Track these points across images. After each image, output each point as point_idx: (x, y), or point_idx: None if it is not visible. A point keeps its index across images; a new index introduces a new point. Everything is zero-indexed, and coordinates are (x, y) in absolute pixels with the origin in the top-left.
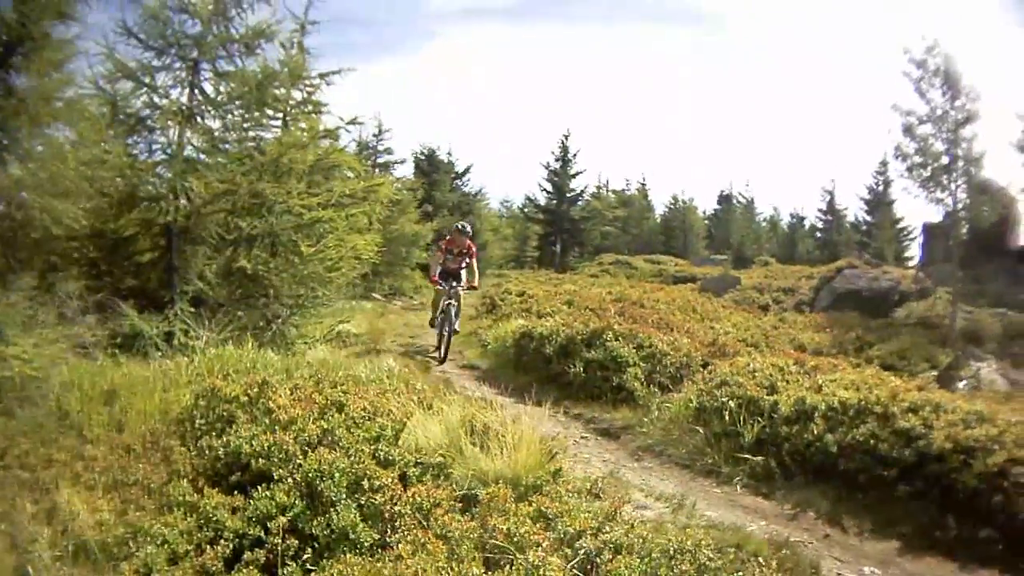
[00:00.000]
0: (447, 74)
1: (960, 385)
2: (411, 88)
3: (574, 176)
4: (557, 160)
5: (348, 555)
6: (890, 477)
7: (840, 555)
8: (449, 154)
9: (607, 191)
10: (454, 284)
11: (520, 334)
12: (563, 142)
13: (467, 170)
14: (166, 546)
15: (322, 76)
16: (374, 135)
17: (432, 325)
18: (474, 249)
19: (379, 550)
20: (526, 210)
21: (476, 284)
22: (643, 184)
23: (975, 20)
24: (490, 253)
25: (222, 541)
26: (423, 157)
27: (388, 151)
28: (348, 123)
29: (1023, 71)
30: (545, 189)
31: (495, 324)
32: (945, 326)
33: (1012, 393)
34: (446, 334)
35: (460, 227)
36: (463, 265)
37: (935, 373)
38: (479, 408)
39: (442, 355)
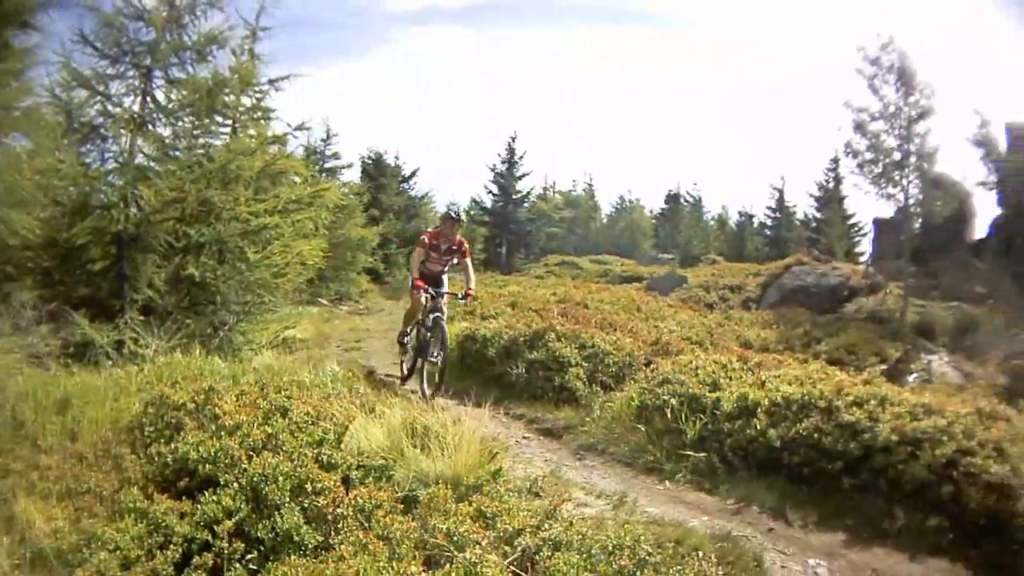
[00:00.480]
0: (398, 77)
1: (910, 378)
2: (362, 91)
3: (520, 178)
4: (504, 162)
5: (292, 557)
6: (835, 470)
7: (784, 547)
8: (396, 158)
9: (554, 192)
10: (441, 292)
11: (463, 336)
12: (510, 144)
13: (414, 173)
14: (118, 552)
15: (272, 82)
16: (322, 140)
17: (401, 343)
18: (467, 246)
19: (323, 551)
20: (472, 212)
21: (472, 290)
22: (590, 185)
23: (932, 16)
24: None
25: (171, 546)
26: (370, 161)
27: (336, 156)
28: (296, 128)
29: (982, 67)
30: (491, 191)
31: None
32: (896, 320)
33: (964, 385)
34: (431, 360)
35: (453, 214)
36: (446, 268)
37: (884, 367)
38: (421, 410)
39: (426, 391)
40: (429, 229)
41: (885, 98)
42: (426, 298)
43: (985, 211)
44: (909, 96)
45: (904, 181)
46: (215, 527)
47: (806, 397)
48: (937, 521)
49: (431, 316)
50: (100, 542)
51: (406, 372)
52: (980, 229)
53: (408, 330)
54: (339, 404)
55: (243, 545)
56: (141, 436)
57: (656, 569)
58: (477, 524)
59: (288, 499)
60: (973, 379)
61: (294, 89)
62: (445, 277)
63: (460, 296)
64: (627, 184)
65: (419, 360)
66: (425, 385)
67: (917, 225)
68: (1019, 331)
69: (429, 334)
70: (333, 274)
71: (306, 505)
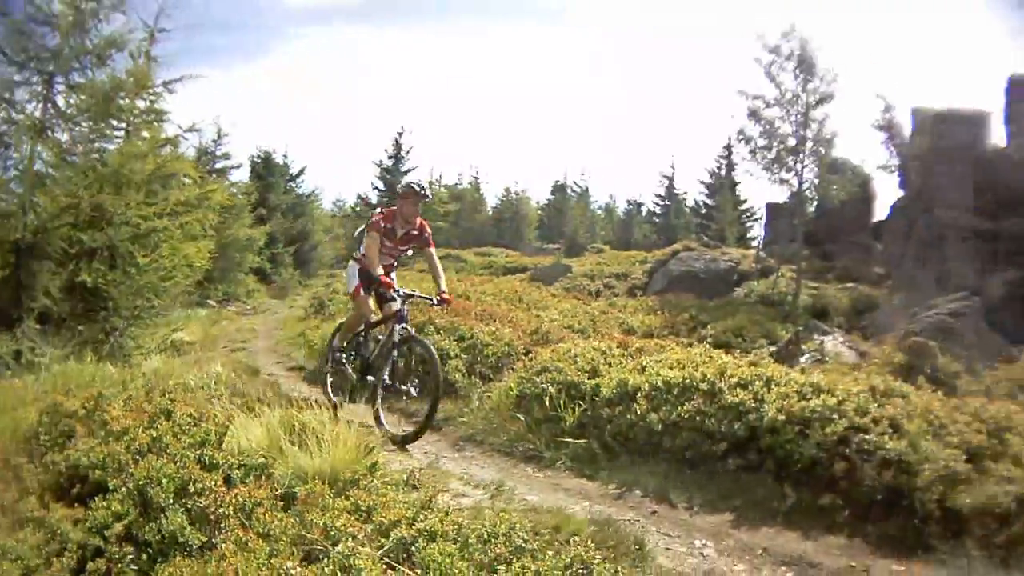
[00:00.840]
0: (297, 75)
1: (802, 359)
2: (263, 90)
3: (406, 173)
4: (390, 157)
5: (178, 558)
6: (719, 451)
7: (669, 530)
8: (285, 156)
9: (439, 186)
10: (411, 295)
11: None
12: (397, 139)
13: (301, 171)
14: (19, 561)
15: (165, 84)
16: (213, 140)
17: (337, 361)
18: (429, 231)
19: (207, 551)
20: (358, 209)
21: (447, 292)
22: (476, 178)
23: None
24: (322, 253)
25: (67, 553)
26: (259, 160)
27: (226, 156)
28: (187, 130)
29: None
30: (377, 187)
31: (322, 324)
32: (788, 302)
33: (860, 364)
34: (384, 386)
35: (416, 187)
36: (396, 262)
37: (773, 348)
38: (299, 408)
39: (385, 424)
40: (380, 209)
41: (783, 85)
42: (364, 299)
43: (887, 194)
44: (808, 83)
45: (798, 166)
46: (106, 532)
47: (687, 380)
48: (829, 499)
49: (396, 329)
50: (2, 552)
51: (337, 400)
52: (881, 212)
53: (344, 344)
54: (220, 405)
55: (132, 549)
56: (37, 445)
57: (533, 556)
58: (353, 518)
59: (172, 501)
60: (870, 358)
61: (197, 91)
62: (395, 274)
63: (435, 300)
64: (518, 177)
65: (363, 384)
66: (384, 420)
67: (812, 209)
68: (919, 309)
69: (395, 353)
70: (221, 275)
71: (190, 506)
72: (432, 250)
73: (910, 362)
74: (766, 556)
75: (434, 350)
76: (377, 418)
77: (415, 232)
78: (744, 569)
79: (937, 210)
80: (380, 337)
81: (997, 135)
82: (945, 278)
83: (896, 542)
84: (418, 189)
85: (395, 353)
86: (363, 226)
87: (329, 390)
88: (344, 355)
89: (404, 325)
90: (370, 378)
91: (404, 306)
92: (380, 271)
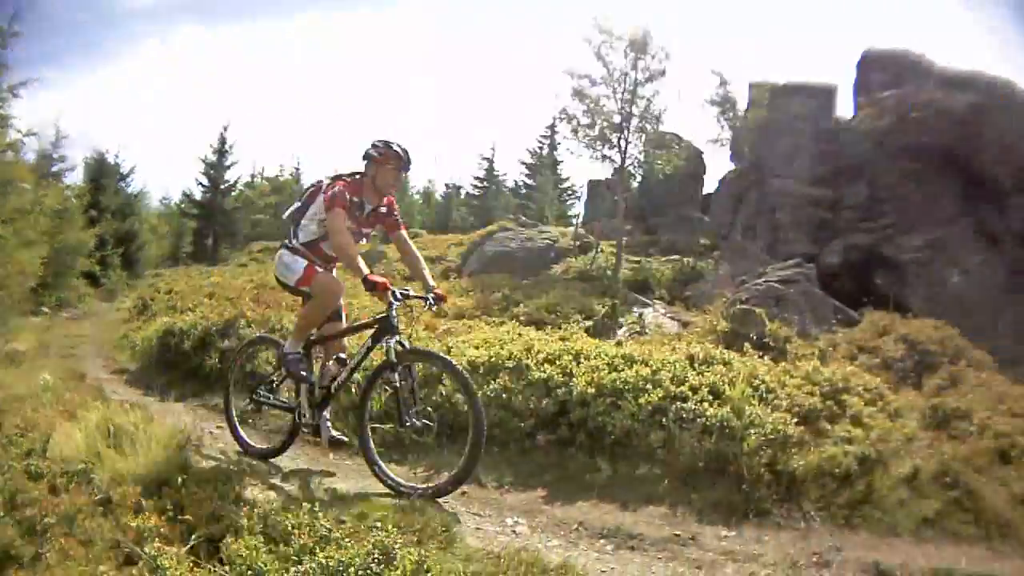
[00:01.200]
0: (144, 75)
1: (619, 332)
2: (99, 90)
3: (229, 167)
4: (215, 152)
5: (12, 571)
6: (528, 428)
7: (480, 510)
8: (117, 156)
9: (261, 179)
10: (403, 293)
11: (163, 331)
12: (222, 134)
13: (131, 171)
14: None
15: (11, 89)
16: (51, 143)
17: (296, 373)
18: (397, 210)
19: (37, 562)
20: (182, 206)
21: (436, 286)
22: (297, 169)
23: None
24: (149, 253)
25: None
26: (93, 162)
27: (62, 159)
28: (26, 135)
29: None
30: (201, 183)
31: (144, 325)
32: (607, 277)
33: (682, 333)
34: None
35: (399, 149)
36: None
37: (589, 323)
38: (116, 411)
39: (390, 477)
40: (343, 177)
41: (611, 64)
42: (329, 282)
43: (720, 168)
44: (640, 61)
45: (622, 143)
46: None
47: (493, 359)
48: (647, 469)
49: (391, 344)
50: None
51: (264, 444)
52: (711, 186)
53: (301, 348)
54: (44, 412)
55: None
56: None
57: (338, 544)
58: (163, 518)
59: (3, 514)
60: (692, 327)
61: (43, 93)
62: (337, 270)
63: (430, 300)
64: (335, 166)
65: (317, 421)
66: (384, 467)
67: (636, 185)
68: (748, 278)
69: (395, 377)
70: (55, 281)
71: (19, 518)
72: (404, 233)
73: (735, 329)
74: (582, 530)
75: (460, 368)
76: (376, 467)
77: (383, 210)
78: (559, 544)
79: (771, 181)
80: (342, 355)
81: (846, 109)
82: (776, 247)
83: (724, 508)
84: (398, 151)
85: (395, 377)
86: (297, 204)
87: (239, 430)
88: (303, 367)
89: (398, 338)
90: (327, 416)
91: (394, 311)
92: (364, 266)
